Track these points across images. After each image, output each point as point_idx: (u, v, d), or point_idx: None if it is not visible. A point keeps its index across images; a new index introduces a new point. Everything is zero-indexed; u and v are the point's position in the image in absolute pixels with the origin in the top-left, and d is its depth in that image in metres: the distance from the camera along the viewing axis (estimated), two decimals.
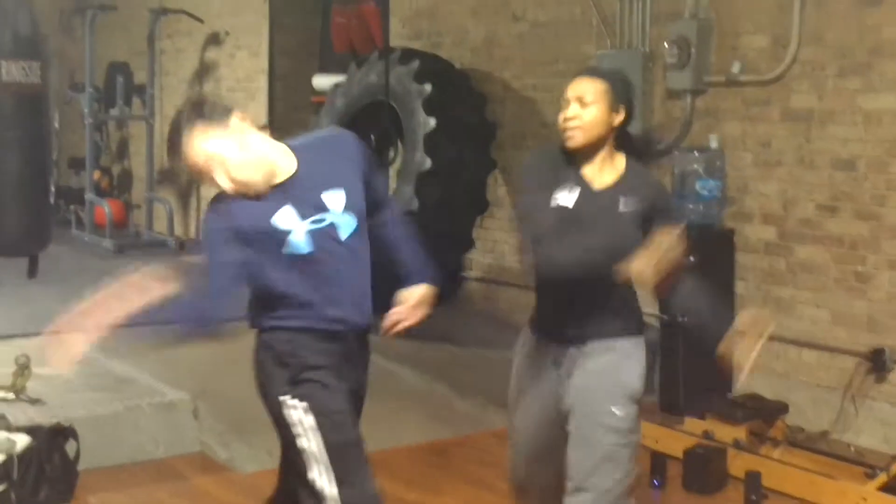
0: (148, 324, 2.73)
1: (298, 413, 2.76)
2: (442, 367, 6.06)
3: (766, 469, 4.49)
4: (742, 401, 5.03)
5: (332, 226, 2.77)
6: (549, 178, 2.99)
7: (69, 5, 11.86)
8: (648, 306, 3.29)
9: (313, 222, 2.75)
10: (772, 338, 5.41)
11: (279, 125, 8.72)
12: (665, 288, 2.90)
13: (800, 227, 5.41)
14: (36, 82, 6.55)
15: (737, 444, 4.70)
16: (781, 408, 5.04)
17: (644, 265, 2.75)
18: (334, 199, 2.79)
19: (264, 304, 2.81)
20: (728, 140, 5.71)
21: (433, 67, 7.19)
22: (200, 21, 10.28)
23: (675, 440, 4.78)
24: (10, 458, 4.09)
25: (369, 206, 2.95)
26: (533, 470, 3.18)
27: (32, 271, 6.94)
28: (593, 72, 3.08)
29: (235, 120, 2.74)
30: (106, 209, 10.41)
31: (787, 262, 5.48)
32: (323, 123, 7.42)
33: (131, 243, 10.24)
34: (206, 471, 4.78)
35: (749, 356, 2.87)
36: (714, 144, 5.67)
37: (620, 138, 3.04)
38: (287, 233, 2.73)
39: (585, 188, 2.98)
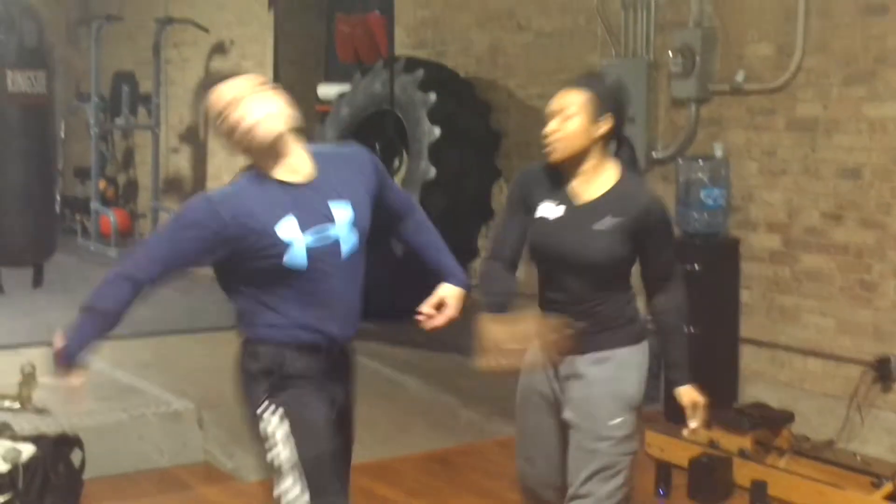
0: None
1: (274, 420, 2.69)
2: (447, 376, 6.06)
3: (772, 478, 4.48)
4: (748, 410, 5.02)
5: (335, 242, 2.70)
6: (533, 197, 3.03)
7: (75, 15, 11.90)
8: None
9: (316, 236, 2.67)
10: (778, 347, 5.48)
11: None
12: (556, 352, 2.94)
13: (805, 236, 5.41)
14: (42, 92, 6.57)
15: (742, 454, 4.69)
16: (787, 417, 5.03)
17: (497, 341, 2.81)
18: (341, 212, 2.72)
19: (252, 312, 2.73)
20: (733, 149, 5.71)
21: (438, 76, 7.20)
22: (206, 31, 10.31)
23: (680, 449, 4.77)
24: (15, 468, 4.09)
25: (393, 216, 2.92)
26: (541, 477, 3.18)
27: (38, 280, 6.94)
28: (577, 82, 3.01)
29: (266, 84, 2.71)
30: (111, 218, 10.44)
31: (792, 271, 5.48)
32: (328, 132, 7.43)
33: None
34: (211, 480, 4.78)
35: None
36: (719, 153, 5.67)
37: (623, 147, 3.04)
38: (287, 245, 2.63)
39: (568, 203, 2.99)
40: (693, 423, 3.02)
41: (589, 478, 2.96)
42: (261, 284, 2.69)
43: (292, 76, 9.66)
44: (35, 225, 6.78)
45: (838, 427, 5.08)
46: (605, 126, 2.94)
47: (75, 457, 4.35)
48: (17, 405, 5.15)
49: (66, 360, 2.66)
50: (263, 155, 2.68)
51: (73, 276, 8.16)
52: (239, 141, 2.67)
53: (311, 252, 2.65)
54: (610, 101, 2.96)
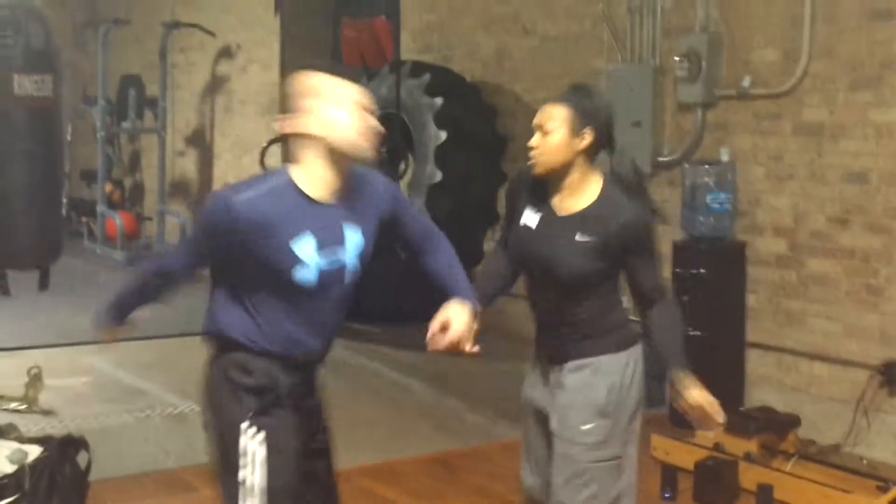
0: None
1: (254, 445, 2.67)
2: (451, 379, 6.06)
3: (778, 482, 4.48)
4: (754, 414, 5.01)
5: (342, 268, 2.68)
6: (520, 201, 3.10)
7: (82, 19, 11.93)
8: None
9: (328, 259, 2.64)
10: (784, 351, 5.48)
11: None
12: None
13: (811, 241, 5.41)
14: (48, 95, 6.58)
15: (748, 457, 4.69)
16: (793, 421, 5.02)
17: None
18: (352, 239, 2.69)
19: (241, 317, 2.69)
20: (739, 153, 5.71)
21: (444, 81, 7.21)
22: (212, 35, 10.33)
23: (686, 453, 4.76)
24: (21, 469, 4.09)
25: (411, 247, 2.88)
26: (535, 485, 3.20)
27: (44, 283, 6.95)
28: (560, 97, 3.04)
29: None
30: (117, 221, 10.45)
31: (798, 275, 5.48)
32: None
33: (143, 255, 10.26)
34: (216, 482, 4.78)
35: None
36: (725, 158, 5.67)
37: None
38: (301, 263, 2.60)
39: (549, 213, 3.03)
40: (720, 419, 2.96)
41: (563, 485, 2.99)
42: (259, 290, 2.66)
43: None
44: (41, 228, 6.78)
45: (845, 431, 5.08)
46: (586, 140, 2.97)
47: (81, 458, 4.35)
48: (23, 407, 5.17)
49: (115, 315, 2.83)
50: (330, 162, 2.63)
51: (80, 279, 8.19)
52: (337, 138, 2.61)
53: (321, 273, 2.64)
54: (591, 115, 2.98)
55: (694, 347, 5.16)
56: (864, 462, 4.86)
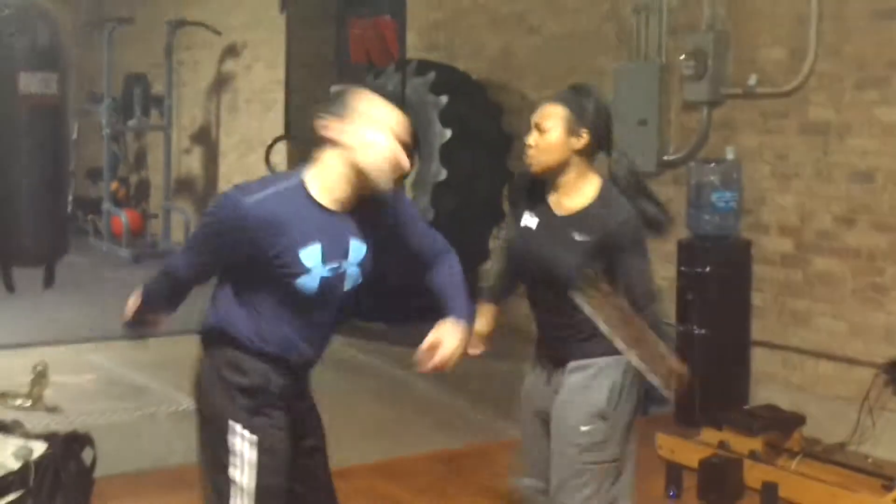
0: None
1: (244, 445, 2.68)
2: (455, 377, 6.04)
3: (783, 480, 4.47)
4: (759, 412, 5.01)
5: (343, 275, 2.69)
6: (520, 204, 3.13)
7: (88, 17, 11.95)
8: (665, 317, 3.29)
9: (332, 268, 2.66)
10: (790, 349, 5.47)
11: (296, 137, 8.75)
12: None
13: (817, 239, 5.40)
14: (54, 93, 6.59)
15: (753, 456, 4.68)
16: (798, 419, 5.02)
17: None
18: (356, 250, 2.71)
19: (239, 315, 2.70)
20: (745, 152, 5.70)
21: (449, 79, 7.21)
22: (218, 33, 10.34)
23: (690, 451, 4.76)
24: (26, 465, 4.10)
25: (420, 256, 2.86)
26: (532, 483, 3.20)
27: (49, 280, 6.96)
28: (558, 97, 3.06)
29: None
30: (123, 219, 10.47)
31: (804, 274, 5.47)
32: None
33: (148, 252, 10.29)
34: None
35: None
36: (730, 156, 5.67)
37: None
38: (306, 270, 2.61)
39: (548, 213, 3.04)
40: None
41: (560, 486, 3.00)
42: (261, 291, 2.67)
43: (304, 78, 9.67)
44: (47, 225, 6.79)
45: (850, 430, 5.07)
46: (583, 140, 2.98)
47: (86, 455, 4.36)
48: (28, 403, 5.18)
49: (146, 308, 2.84)
50: (349, 176, 2.64)
51: (85, 277, 8.21)
52: (366, 157, 2.62)
53: (322, 281, 2.65)
54: (588, 116, 2.99)
55: (699, 346, 5.24)
56: (870, 460, 4.86)
